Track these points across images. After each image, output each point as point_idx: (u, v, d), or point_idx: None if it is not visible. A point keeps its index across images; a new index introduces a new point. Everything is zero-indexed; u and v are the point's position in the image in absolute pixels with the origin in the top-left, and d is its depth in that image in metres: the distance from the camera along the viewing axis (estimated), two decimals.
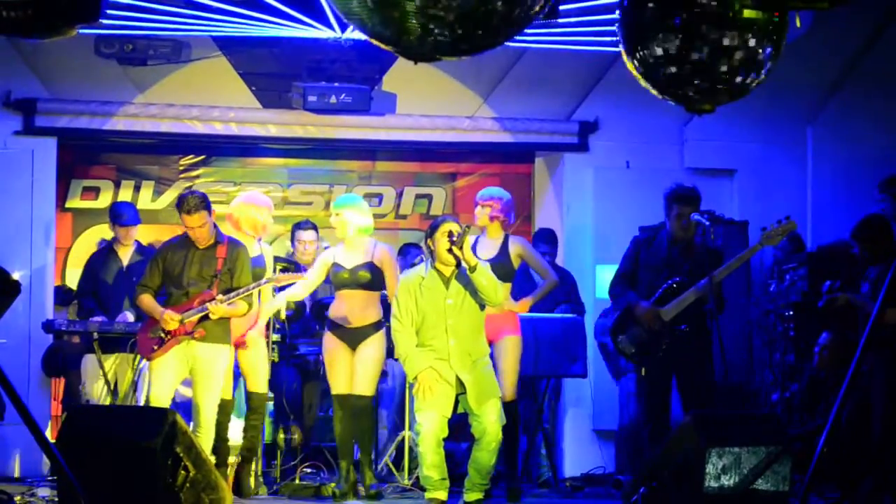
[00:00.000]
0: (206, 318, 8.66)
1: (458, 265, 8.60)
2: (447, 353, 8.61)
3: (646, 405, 9.41)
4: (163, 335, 8.67)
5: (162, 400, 8.62)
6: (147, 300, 8.81)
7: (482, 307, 8.71)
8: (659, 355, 9.22)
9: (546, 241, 10.90)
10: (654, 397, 9.32)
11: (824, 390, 9.60)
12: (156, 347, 8.70)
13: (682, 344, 9.17)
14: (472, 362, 8.66)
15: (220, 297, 8.68)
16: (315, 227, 10.88)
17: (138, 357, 9.46)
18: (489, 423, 8.59)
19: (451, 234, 8.49)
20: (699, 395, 9.14)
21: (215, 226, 8.89)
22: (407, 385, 9.68)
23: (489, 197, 9.58)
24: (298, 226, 10.91)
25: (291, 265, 9.89)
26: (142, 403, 9.51)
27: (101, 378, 9.88)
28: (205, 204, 8.73)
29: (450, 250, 8.50)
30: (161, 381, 8.70)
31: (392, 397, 10.72)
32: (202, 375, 8.72)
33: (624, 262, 9.55)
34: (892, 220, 9.47)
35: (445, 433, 8.70)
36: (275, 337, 9.75)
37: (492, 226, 9.51)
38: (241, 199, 9.58)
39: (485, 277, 8.51)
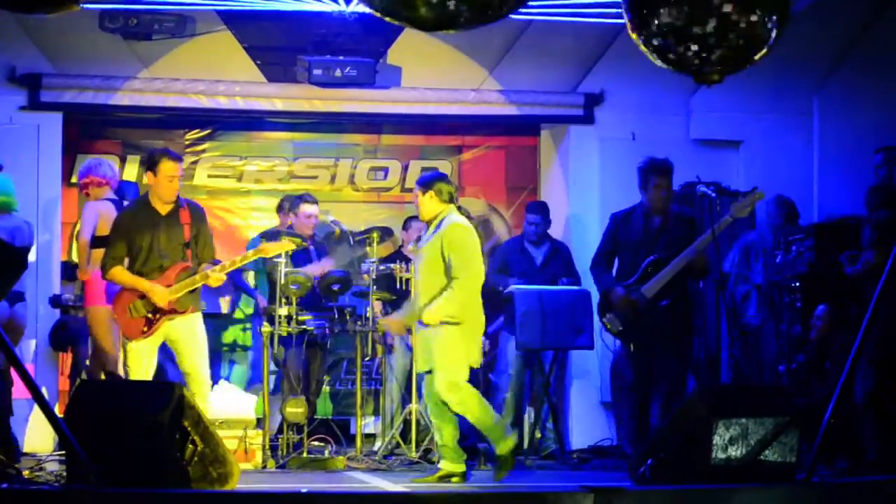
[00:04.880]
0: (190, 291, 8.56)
1: None
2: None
3: (631, 377, 9.81)
4: (149, 315, 8.54)
5: None
6: (123, 273, 8.61)
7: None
8: (643, 331, 9.61)
9: (535, 212, 10.97)
10: (639, 370, 9.72)
11: (821, 362, 9.75)
12: (145, 329, 8.54)
13: (664, 318, 9.55)
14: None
15: (217, 266, 8.57)
16: (317, 201, 10.88)
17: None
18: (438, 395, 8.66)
19: None
20: (674, 368, 9.61)
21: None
22: (413, 360, 9.68)
23: None
24: (301, 198, 10.85)
25: (299, 238, 9.87)
26: None
27: None
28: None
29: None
30: (142, 365, 8.53)
31: (399, 371, 10.73)
32: (188, 345, 8.60)
33: (603, 240, 9.97)
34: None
35: (441, 396, 8.62)
36: (282, 311, 9.76)
37: None
38: None
39: None
